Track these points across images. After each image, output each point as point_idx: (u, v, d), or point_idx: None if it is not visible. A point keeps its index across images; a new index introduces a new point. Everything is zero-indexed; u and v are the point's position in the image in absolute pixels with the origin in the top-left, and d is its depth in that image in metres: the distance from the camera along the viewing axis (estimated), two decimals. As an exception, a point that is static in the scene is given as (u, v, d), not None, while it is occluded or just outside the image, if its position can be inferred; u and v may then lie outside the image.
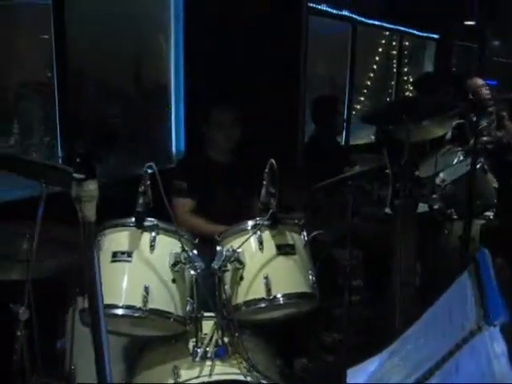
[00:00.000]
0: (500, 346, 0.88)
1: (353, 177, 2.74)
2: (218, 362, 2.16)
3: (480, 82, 4.87)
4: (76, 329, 2.59)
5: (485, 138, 4.59)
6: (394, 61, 7.38)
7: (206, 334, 2.24)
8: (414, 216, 2.64)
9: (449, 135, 4.63)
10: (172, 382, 2.06)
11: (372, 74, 7.06)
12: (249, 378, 2.07)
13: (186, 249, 2.16)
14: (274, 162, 2.16)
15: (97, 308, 1.19)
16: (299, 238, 2.32)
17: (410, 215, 2.53)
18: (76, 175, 1.04)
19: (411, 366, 1.17)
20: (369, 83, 6.98)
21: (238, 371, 2.13)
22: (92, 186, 1.07)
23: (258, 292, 2.17)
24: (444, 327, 1.14)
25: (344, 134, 6.08)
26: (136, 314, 2.07)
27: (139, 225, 2.16)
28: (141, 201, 2.14)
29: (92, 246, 1.12)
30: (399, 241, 2.38)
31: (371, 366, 1.34)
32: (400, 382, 1.16)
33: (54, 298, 2.70)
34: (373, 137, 6.59)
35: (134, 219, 2.16)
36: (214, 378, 2.09)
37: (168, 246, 2.19)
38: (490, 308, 0.96)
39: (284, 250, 2.23)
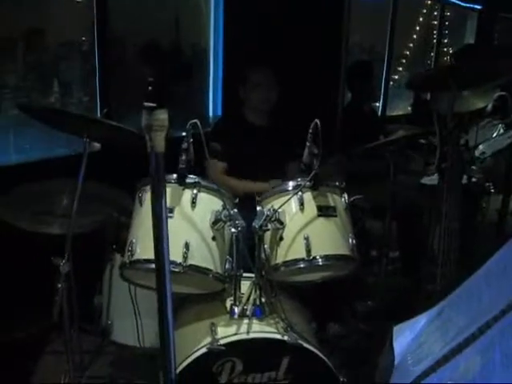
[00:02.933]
0: None
1: (395, 141, 2.69)
2: (255, 321, 2.17)
3: None
4: (114, 285, 2.64)
5: (527, 110, 4.48)
6: (435, 31, 7.22)
7: (243, 293, 2.25)
8: (460, 181, 2.59)
9: (490, 107, 4.54)
10: (209, 339, 2.07)
11: (411, 44, 6.92)
12: (286, 338, 2.07)
13: (227, 207, 2.16)
14: (318, 122, 2.13)
15: (162, 257, 1.17)
16: (340, 201, 2.30)
17: (457, 180, 2.48)
18: (147, 103, 1.03)
19: (460, 326, 1.15)
20: (408, 53, 6.85)
21: (276, 330, 2.13)
22: (163, 115, 1.07)
23: (298, 252, 2.16)
24: (500, 285, 1.12)
25: (381, 104, 5.99)
26: (176, 269, 2.07)
27: (181, 181, 2.15)
28: (183, 157, 2.13)
29: (162, 179, 1.11)
30: (445, 204, 2.35)
31: (418, 323, 1.32)
32: (443, 347, 1.14)
33: (94, 254, 2.74)
34: (409, 108, 6.51)
35: (175, 176, 2.16)
36: (252, 335, 2.10)
37: (209, 203, 2.18)
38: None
39: (325, 211, 2.21)
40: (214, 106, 4.37)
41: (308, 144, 2.19)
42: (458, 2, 7.24)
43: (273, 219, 2.16)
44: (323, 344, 2.40)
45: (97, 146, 3.26)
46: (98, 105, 3.55)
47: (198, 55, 4.40)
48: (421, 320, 1.33)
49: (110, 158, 2.90)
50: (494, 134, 4.14)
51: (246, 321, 2.17)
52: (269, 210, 2.18)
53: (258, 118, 3.34)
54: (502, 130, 4.16)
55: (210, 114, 4.37)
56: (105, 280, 2.70)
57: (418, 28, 7.01)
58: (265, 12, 4.09)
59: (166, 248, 1.20)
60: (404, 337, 1.29)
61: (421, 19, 7.06)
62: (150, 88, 1.02)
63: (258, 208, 2.25)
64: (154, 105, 1.05)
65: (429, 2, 7.03)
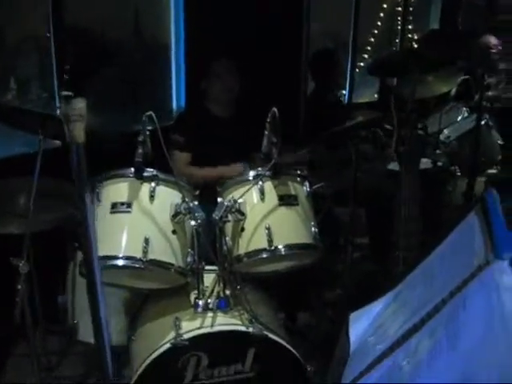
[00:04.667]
0: (510, 279, 0.85)
1: (355, 126, 2.68)
2: (219, 314, 2.15)
3: (493, 40, 4.77)
4: (77, 284, 2.59)
5: (490, 93, 4.51)
6: (399, 17, 7.21)
7: (207, 286, 2.23)
8: (417, 163, 2.59)
9: (454, 91, 4.57)
10: (173, 333, 2.05)
11: (376, 31, 6.90)
12: (251, 329, 2.06)
13: (187, 199, 2.13)
14: (276, 110, 2.11)
15: (89, 249, 1.14)
16: (301, 189, 2.28)
17: (414, 162, 2.48)
18: (64, 92, 0.99)
19: (414, 308, 1.14)
20: (373, 40, 6.83)
21: (241, 322, 2.12)
22: (81, 104, 1.02)
23: (260, 243, 2.14)
24: (450, 266, 1.11)
25: (347, 91, 5.99)
26: (136, 265, 2.05)
27: (139, 175, 2.12)
28: (140, 151, 2.10)
29: (83, 170, 1.07)
30: (403, 188, 2.35)
31: (374, 309, 1.31)
32: (400, 327, 1.13)
33: (55, 252, 2.69)
34: (376, 95, 6.52)
35: (133, 170, 2.12)
36: (216, 328, 2.08)
37: (168, 196, 2.16)
38: (499, 242, 0.92)
39: (286, 200, 2.20)
40: (177, 98, 4.31)
41: (266, 133, 2.17)
42: (421, -13, 7.25)
43: (233, 210, 2.14)
44: (291, 334, 2.39)
45: (57, 142, 3.20)
46: (57, 101, 3.48)
47: (160, 48, 4.34)
48: (377, 305, 1.33)
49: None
50: (459, 118, 4.16)
51: (210, 314, 2.15)
52: (229, 200, 2.16)
53: (221, 109, 3.32)
54: (466, 114, 4.17)
55: (174, 106, 4.32)
56: (68, 279, 2.65)
57: (382, 15, 6.99)
58: (225, 2, 4.05)
59: (93, 241, 1.16)
60: (360, 323, 1.28)
61: (385, 6, 7.04)
62: (65, 76, 0.97)
63: (219, 199, 2.23)
64: (70, 93, 1.00)
65: (392, -12, 7.03)
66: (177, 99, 4.31)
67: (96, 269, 1.16)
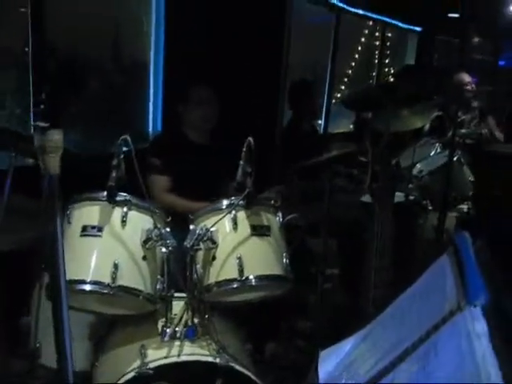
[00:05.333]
0: (481, 326, 0.84)
1: (329, 160, 2.70)
2: (187, 343, 2.11)
3: (467, 77, 4.89)
4: (42, 306, 2.53)
5: (463, 131, 4.60)
6: (376, 51, 7.36)
7: (175, 315, 2.19)
8: (391, 199, 2.61)
9: (427, 127, 4.65)
10: (138, 362, 2.01)
11: (353, 63, 7.02)
12: (218, 360, 2.02)
13: (159, 226, 2.11)
14: (251, 140, 2.11)
15: (57, 273, 1.11)
16: (274, 220, 2.28)
17: (387, 199, 2.50)
18: (39, 123, 0.96)
19: (385, 350, 1.13)
20: (350, 72, 6.94)
21: (208, 353, 2.08)
22: (57, 136, 1.00)
23: (231, 272, 2.12)
24: (421, 309, 1.11)
25: (323, 122, 6.05)
26: (104, 291, 2.01)
27: (111, 199, 2.09)
28: (114, 174, 2.07)
29: (56, 201, 1.05)
30: (376, 223, 2.36)
31: (344, 348, 1.30)
32: (372, 368, 1.12)
33: (20, 273, 2.63)
34: (351, 126, 6.59)
35: (105, 193, 2.10)
36: (183, 358, 2.04)
37: (140, 222, 2.13)
38: (471, 288, 0.92)
39: (259, 230, 2.18)
40: (153, 121, 4.30)
41: (241, 163, 2.17)
42: (398, 23, 7.41)
43: (205, 238, 2.12)
44: (259, 364, 2.36)
45: (30, 161, 3.15)
46: (32, 117, 3.44)
47: (138, 70, 4.34)
48: (347, 344, 1.31)
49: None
50: (432, 153, 4.23)
51: (177, 343, 2.11)
52: (201, 228, 2.14)
53: (199, 136, 3.29)
54: (439, 149, 4.25)
55: (150, 129, 4.30)
56: (33, 301, 2.59)
57: (360, 48, 7.12)
58: (206, 29, 4.08)
59: (62, 272, 1.13)
60: (329, 361, 1.27)
61: (363, 39, 7.19)
62: (41, 106, 0.95)
63: (191, 227, 2.21)
64: (46, 125, 0.98)
65: (370, 22, 7.16)
66: (153, 122, 4.30)
67: (63, 293, 1.13)
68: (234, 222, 2.16)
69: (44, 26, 3.35)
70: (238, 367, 2.04)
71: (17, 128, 3.65)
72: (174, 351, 2.06)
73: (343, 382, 1.21)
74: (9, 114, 3.68)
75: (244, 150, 2.16)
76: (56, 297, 1.16)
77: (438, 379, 0.83)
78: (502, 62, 10.00)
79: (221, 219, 2.14)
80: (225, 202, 2.21)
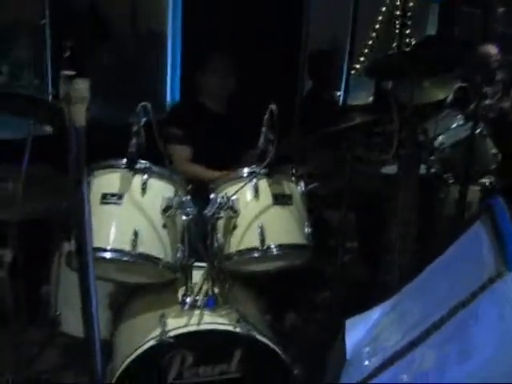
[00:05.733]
0: (525, 292, 0.80)
1: (352, 128, 2.64)
2: (207, 312, 2.10)
3: (493, 49, 4.77)
4: (62, 275, 2.53)
5: (487, 102, 4.50)
6: (397, 21, 7.21)
7: (195, 283, 2.18)
8: (417, 168, 2.55)
9: (450, 98, 4.55)
10: (159, 330, 2.00)
11: (374, 34, 6.90)
12: (238, 329, 2.01)
13: (179, 193, 2.08)
14: (274, 107, 2.06)
15: (84, 241, 1.08)
16: (296, 189, 2.24)
17: (414, 167, 2.44)
18: (65, 72, 0.92)
19: (414, 321, 1.10)
20: (370, 42, 6.82)
21: (228, 322, 2.07)
22: (83, 85, 0.95)
23: (252, 241, 2.09)
24: (454, 280, 1.07)
25: (342, 93, 5.96)
26: (124, 258, 2.00)
27: (131, 166, 2.07)
28: (134, 141, 2.05)
29: (82, 156, 1.01)
30: (401, 191, 2.31)
31: (371, 317, 1.27)
32: (400, 340, 1.09)
33: (41, 242, 2.63)
34: (371, 98, 6.49)
35: (125, 161, 2.07)
36: (202, 327, 2.03)
37: (160, 189, 2.11)
38: (511, 254, 0.88)
39: (280, 199, 2.15)
40: (171, 91, 4.26)
41: (263, 130, 2.12)
42: (419, -8, 7.25)
43: (226, 207, 2.09)
44: (279, 335, 2.35)
45: (48, 129, 3.13)
46: (50, 87, 3.41)
47: (156, 40, 4.28)
48: (374, 313, 1.28)
49: (64, 141, 2.77)
50: (454, 125, 4.14)
51: (197, 312, 2.10)
52: (222, 197, 2.11)
53: (216, 105, 3.26)
54: (461, 122, 4.15)
55: (168, 99, 4.26)
56: (53, 269, 2.60)
57: (380, 18, 6.99)
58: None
59: (88, 232, 1.10)
60: (357, 330, 1.24)
61: (383, 9, 7.04)
62: (67, 54, 0.91)
63: (212, 195, 2.18)
64: (72, 73, 0.94)
65: (391, -9, 7.02)
66: (171, 92, 4.25)
67: (90, 261, 1.11)
68: (256, 190, 2.13)
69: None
70: (258, 336, 2.03)
71: (35, 97, 3.62)
72: (194, 320, 2.05)
73: (369, 355, 1.18)
74: (27, 83, 3.66)
75: (266, 116, 2.11)
76: (82, 264, 1.13)
77: (479, 350, 0.79)
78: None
79: (242, 187, 2.11)
80: (246, 170, 2.17)
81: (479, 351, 0.79)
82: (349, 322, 1.28)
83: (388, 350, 1.10)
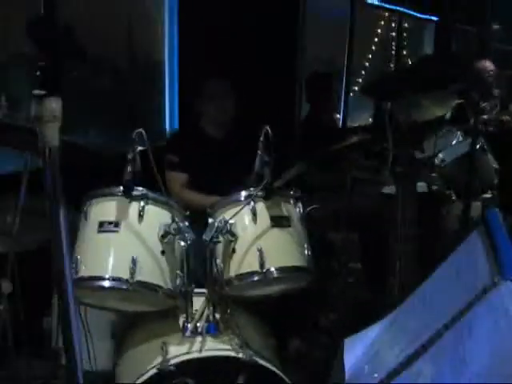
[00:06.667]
0: (520, 302, 0.78)
1: (349, 148, 2.63)
2: (209, 338, 2.08)
3: (489, 64, 4.80)
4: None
5: (485, 117, 4.51)
6: (393, 43, 7.27)
7: (196, 310, 2.16)
8: (413, 185, 2.54)
9: (448, 115, 4.55)
10: (160, 358, 1.97)
11: (370, 56, 6.94)
12: (240, 355, 1.98)
13: (177, 219, 2.07)
14: (268, 129, 2.06)
15: (61, 265, 1.06)
16: (294, 211, 2.22)
17: (410, 184, 2.43)
18: (36, 91, 0.92)
19: (412, 336, 1.08)
20: (367, 64, 6.86)
21: (230, 347, 2.04)
22: (54, 104, 0.95)
23: (251, 265, 2.07)
24: (451, 291, 1.05)
25: (341, 115, 5.99)
26: (123, 287, 1.98)
27: (127, 194, 2.06)
28: (129, 169, 2.04)
29: (57, 178, 0.99)
30: (400, 209, 2.29)
31: (369, 335, 1.24)
32: (398, 355, 1.07)
33: (40, 273, 2.61)
34: (371, 119, 6.52)
35: (122, 188, 2.06)
36: (205, 353, 2.00)
37: (157, 216, 2.09)
38: (505, 262, 0.86)
39: (278, 222, 2.13)
40: (170, 118, 4.27)
41: (259, 152, 2.12)
42: (414, 13, 7.31)
43: (224, 231, 2.08)
44: (283, 360, 2.31)
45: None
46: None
47: (153, 67, 4.31)
48: (373, 331, 1.26)
49: (64, 172, 2.78)
50: (454, 142, 4.13)
51: (199, 338, 2.07)
52: (220, 221, 2.10)
53: (216, 131, 3.26)
54: (461, 138, 4.15)
55: (167, 126, 4.27)
56: (54, 300, 2.58)
57: (376, 39, 7.04)
58: (220, 23, 4.03)
59: (66, 254, 1.08)
60: (355, 350, 1.22)
61: (379, 31, 7.10)
62: (38, 73, 0.90)
63: (210, 220, 2.16)
64: (43, 92, 0.93)
65: (386, 13, 7.08)
66: (170, 119, 4.27)
67: (69, 290, 1.08)
68: (254, 213, 2.11)
69: (57, 22, 3.33)
70: (261, 361, 1.99)
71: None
72: (196, 347, 2.03)
73: (369, 372, 1.16)
74: (27, 115, 3.67)
75: (261, 139, 2.11)
76: (62, 293, 1.11)
77: (474, 362, 0.77)
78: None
79: (239, 211, 2.09)
80: (243, 194, 2.16)
81: (474, 364, 0.77)
82: (347, 342, 1.25)
83: (389, 363, 1.08)
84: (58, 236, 1.06)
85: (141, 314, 2.26)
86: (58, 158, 0.97)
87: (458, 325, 0.86)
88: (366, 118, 6.59)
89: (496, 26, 8.59)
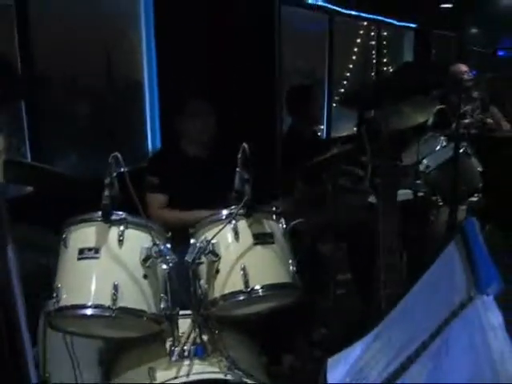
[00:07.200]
0: (496, 317, 0.76)
1: (331, 159, 2.62)
2: (196, 361, 2.04)
3: (463, 67, 4.83)
4: (49, 335, 2.47)
5: (467, 121, 4.51)
6: (373, 51, 7.30)
7: (183, 333, 2.12)
8: (394, 196, 2.52)
9: (430, 121, 4.55)
10: (148, 384, 1.93)
11: (351, 66, 6.96)
12: (229, 377, 1.95)
13: (157, 242, 2.03)
14: (246, 146, 2.04)
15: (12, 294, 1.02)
16: (277, 227, 2.19)
17: (390, 195, 2.41)
18: None
19: (396, 350, 1.05)
20: (348, 75, 6.88)
21: (218, 370, 2.00)
22: None
23: (236, 284, 2.03)
24: (431, 304, 1.02)
25: (325, 126, 5.99)
26: (106, 314, 1.93)
27: (106, 219, 2.02)
28: (107, 193, 2.01)
29: (3, 215, 0.97)
30: (381, 220, 2.27)
31: (353, 353, 1.21)
32: (383, 370, 1.04)
33: (26, 302, 2.56)
34: (355, 128, 6.51)
35: (100, 213, 2.03)
36: (192, 377, 1.97)
37: (138, 240, 2.05)
38: (482, 275, 0.84)
39: (261, 239, 2.09)
40: (152, 139, 4.25)
41: (238, 169, 2.09)
42: (393, 21, 7.35)
43: (206, 251, 2.04)
44: (277, 378, 2.28)
45: (29, 188, 3.10)
46: (27, 147, 3.39)
47: (133, 88, 4.29)
48: (357, 348, 1.23)
49: (44, 200, 2.76)
50: (437, 148, 4.13)
51: (186, 362, 2.03)
52: (202, 241, 2.07)
53: (197, 150, 3.25)
54: (444, 143, 4.15)
55: (150, 147, 4.25)
56: (39, 330, 2.53)
57: (356, 49, 7.06)
58: (198, 42, 4.03)
59: (17, 291, 1.05)
60: (338, 368, 1.19)
61: (358, 40, 7.13)
62: None
63: (192, 240, 2.13)
64: None
65: (365, 23, 7.11)
66: (152, 140, 4.25)
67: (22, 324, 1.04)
68: (235, 231, 2.08)
69: (35, 50, 3.31)
70: (250, 382, 1.96)
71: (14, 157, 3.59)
72: (184, 371, 1.99)
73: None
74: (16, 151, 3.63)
75: (239, 156, 2.08)
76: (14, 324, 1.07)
77: (449, 378, 0.74)
78: (501, 53, 9.88)
79: (221, 230, 2.06)
80: (224, 212, 2.13)
81: (452, 381, 0.74)
82: (330, 361, 1.22)
83: (376, 377, 1.05)
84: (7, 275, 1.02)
85: (127, 339, 2.22)
86: (3, 195, 0.94)
87: (435, 343, 0.83)
88: (350, 128, 6.59)
89: (474, 30, 8.68)
